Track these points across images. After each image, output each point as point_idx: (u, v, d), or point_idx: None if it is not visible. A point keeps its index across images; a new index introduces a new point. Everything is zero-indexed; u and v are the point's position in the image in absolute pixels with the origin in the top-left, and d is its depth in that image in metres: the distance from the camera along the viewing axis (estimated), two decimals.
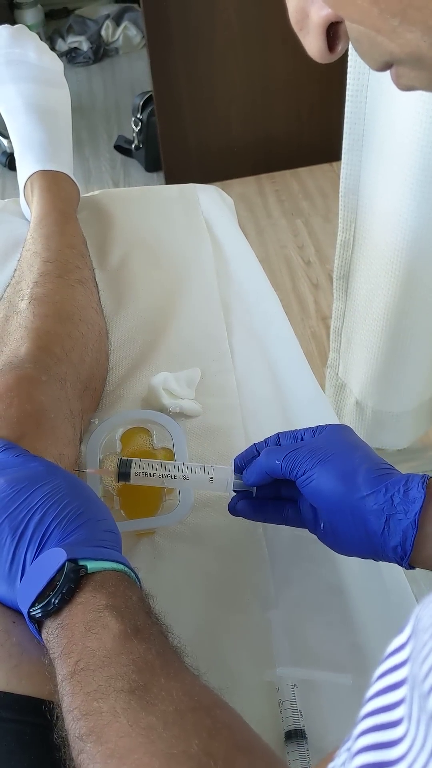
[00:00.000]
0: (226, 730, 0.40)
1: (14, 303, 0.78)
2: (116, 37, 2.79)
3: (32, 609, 0.46)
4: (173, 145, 2.22)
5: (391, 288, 1.18)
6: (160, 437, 0.73)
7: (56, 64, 1.00)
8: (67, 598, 0.46)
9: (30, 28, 1.06)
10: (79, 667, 0.42)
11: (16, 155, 0.98)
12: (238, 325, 0.86)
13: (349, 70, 1.02)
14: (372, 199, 1.13)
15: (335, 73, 2.14)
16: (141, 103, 2.22)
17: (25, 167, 0.95)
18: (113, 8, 2.81)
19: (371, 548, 0.56)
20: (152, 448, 0.72)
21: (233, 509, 0.64)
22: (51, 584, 0.46)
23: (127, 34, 2.80)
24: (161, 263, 0.93)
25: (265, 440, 0.64)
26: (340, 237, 1.23)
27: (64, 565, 0.46)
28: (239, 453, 0.65)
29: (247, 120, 2.23)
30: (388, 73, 0.41)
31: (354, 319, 1.31)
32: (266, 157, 2.34)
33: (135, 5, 2.86)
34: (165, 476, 0.62)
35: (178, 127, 2.19)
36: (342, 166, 1.13)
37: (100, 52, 2.80)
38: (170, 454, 0.71)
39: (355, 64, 1.02)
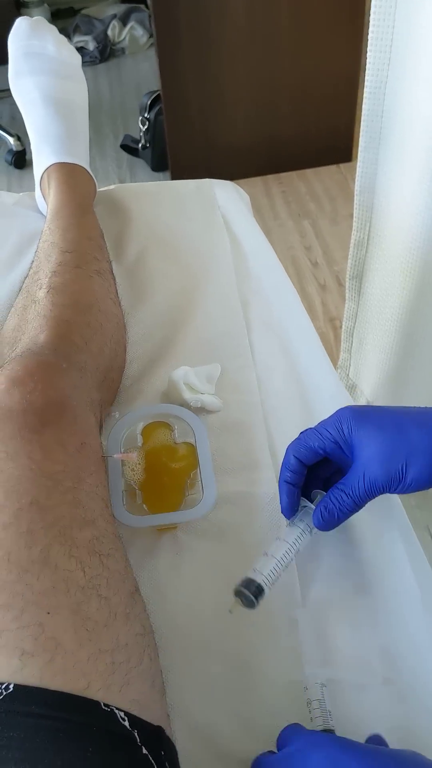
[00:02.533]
0: None
1: (32, 292, 0.77)
2: (123, 37, 2.78)
3: None
4: (180, 144, 2.22)
5: (405, 288, 1.17)
6: (181, 432, 0.71)
7: (74, 58, 0.99)
8: None
9: None
10: None
11: (32, 148, 0.97)
12: (257, 321, 0.85)
13: (368, 65, 1.01)
14: (388, 198, 1.12)
15: (344, 76, 2.15)
16: (149, 102, 2.21)
17: (42, 160, 0.94)
18: (120, 8, 2.81)
19: None
20: (173, 442, 0.71)
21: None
22: None
23: (134, 34, 2.79)
24: (178, 258, 0.92)
25: (286, 466, 0.63)
26: (354, 236, 1.22)
27: None
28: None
29: (254, 120, 2.22)
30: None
31: (366, 320, 1.30)
32: (273, 158, 2.33)
33: (142, 5, 2.86)
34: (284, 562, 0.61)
35: (185, 126, 2.18)
36: (358, 164, 1.12)
37: (107, 51, 2.79)
38: (192, 449, 0.70)
39: (374, 60, 1.01)
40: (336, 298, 1.95)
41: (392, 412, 0.60)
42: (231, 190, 1.03)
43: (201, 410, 0.75)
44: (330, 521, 0.60)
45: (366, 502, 0.59)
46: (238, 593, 0.58)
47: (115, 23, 2.77)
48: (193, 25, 1.98)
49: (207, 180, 1.04)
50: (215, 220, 0.97)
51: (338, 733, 0.55)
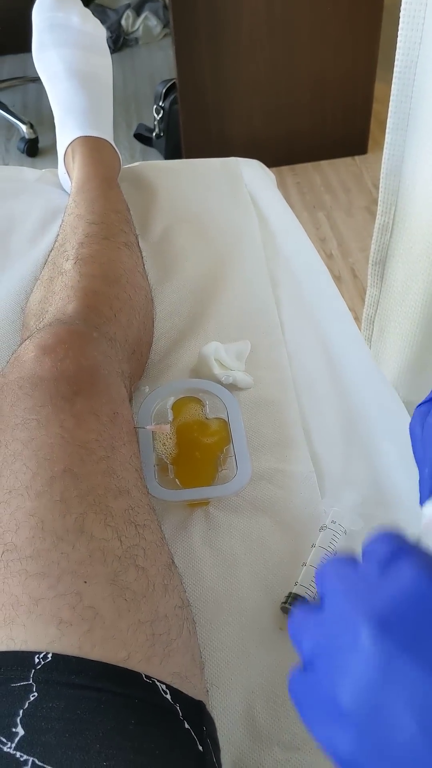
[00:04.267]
0: None
1: (59, 264, 0.75)
2: (136, 27, 2.76)
3: None
4: (195, 133, 2.20)
5: (430, 273, 1.15)
6: (212, 407, 0.70)
7: (100, 31, 0.97)
8: None
9: None
10: None
11: (56, 122, 0.95)
12: (287, 299, 0.83)
13: (399, 43, 0.99)
14: (414, 182, 1.10)
15: (361, 69, 2.13)
16: (164, 90, 2.19)
17: (66, 133, 0.92)
18: None
19: None
20: (205, 417, 0.69)
21: None
22: None
23: (148, 24, 2.77)
24: (205, 235, 0.90)
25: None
26: (378, 220, 1.20)
27: None
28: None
29: (270, 112, 2.20)
30: None
31: (389, 307, 1.28)
32: (288, 150, 2.31)
33: None
34: None
35: (200, 115, 2.16)
36: (385, 146, 1.10)
37: (120, 41, 2.77)
38: (224, 425, 0.68)
39: (405, 39, 0.99)
40: (351, 289, 1.93)
41: None
42: (258, 168, 1.01)
43: (232, 387, 0.73)
44: None
45: None
46: (285, 610, 0.58)
47: (129, 13, 2.75)
48: (210, 13, 1.96)
49: (233, 158, 1.02)
50: (242, 198, 0.95)
51: None
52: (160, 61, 2.72)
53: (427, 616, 0.28)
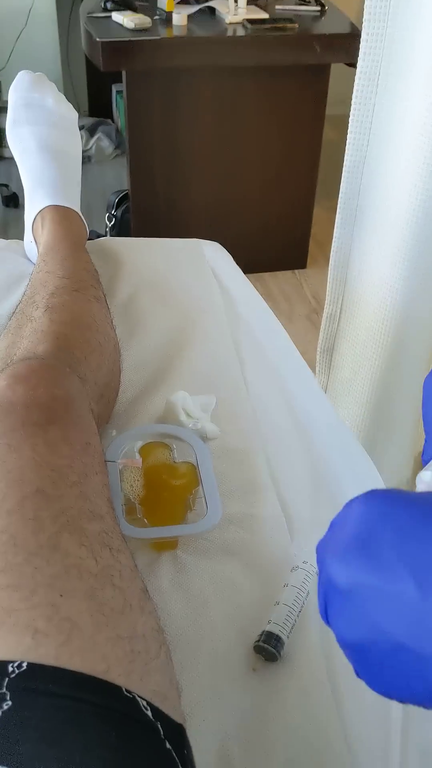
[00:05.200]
0: None
1: (28, 313, 0.75)
2: (89, 146, 2.91)
3: None
4: None
5: (376, 359, 1.20)
6: (180, 452, 0.69)
7: (72, 113, 1.02)
8: None
9: None
10: None
11: (26, 194, 0.98)
12: (250, 359, 0.85)
13: (348, 141, 1.07)
14: (360, 272, 1.17)
15: (302, 190, 2.29)
16: (116, 200, 2.29)
17: (36, 202, 0.95)
18: (88, 121, 2.96)
19: None
20: (173, 461, 0.68)
21: None
22: None
23: (100, 145, 2.93)
24: (169, 300, 0.92)
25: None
26: (326, 310, 1.25)
27: None
28: None
29: (218, 224, 2.32)
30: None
31: (336, 395, 1.31)
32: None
33: (108, 120, 3.03)
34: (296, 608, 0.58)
35: (151, 224, 2.26)
36: (333, 240, 1.17)
37: None
38: (192, 468, 0.67)
39: (354, 139, 1.07)
40: None
41: None
42: (217, 248, 1.05)
43: (199, 435, 0.73)
44: None
45: None
46: (258, 649, 0.56)
47: (83, 134, 2.91)
48: (164, 132, 2.10)
49: (194, 239, 1.06)
50: (204, 270, 0.98)
51: None
52: (111, 177, 2.86)
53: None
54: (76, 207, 0.97)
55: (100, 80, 2.91)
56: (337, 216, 1.14)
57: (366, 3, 0.92)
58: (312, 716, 0.53)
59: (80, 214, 0.96)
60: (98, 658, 0.42)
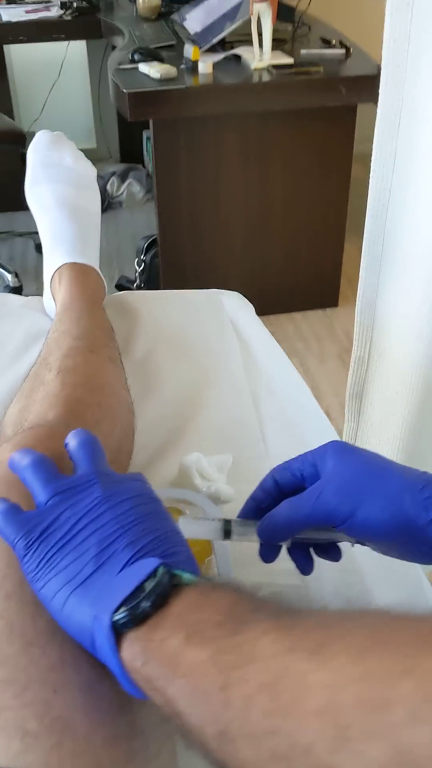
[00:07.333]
0: None
1: (41, 375, 0.74)
2: (120, 191, 2.96)
3: (116, 614, 0.40)
4: (174, 286, 2.29)
5: (407, 406, 1.17)
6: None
7: (90, 170, 1.03)
8: (158, 603, 0.40)
9: None
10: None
11: (44, 250, 0.98)
12: (269, 414, 0.83)
13: (370, 189, 1.05)
14: (388, 315, 1.14)
15: (332, 229, 2.28)
16: (145, 245, 2.31)
17: (54, 259, 0.95)
18: (119, 167, 3.02)
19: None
20: None
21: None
22: (140, 588, 0.40)
23: (131, 190, 2.98)
24: (187, 356, 0.91)
25: (260, 485, 0.59)
26: (354, 353, 1.22)
27: (156, 569, 0.41)
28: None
29: (246, 269, 2.32)
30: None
31: (366, 441, 1.28)
32: (263, 303, 2.39)
33: (140, 165, 3.07)
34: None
35: (179, 270, 2.27)
36: (359, 284, 1.15)
37: (105, 204, 2.96)
38: None
39: (376, 185, 1.06)
40: None
41: (377, 455, 0.55)
42: (238, 298, 1.04)
43: (214, 498, 0.71)
44: (267, 528, 0.55)
45: (308, 523, 0.53)
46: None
47: (114, 179, 2.96)
48: (191, 179, 2.11)
49: (214, 290, 1.05)
50: (223, 323, 0.97)
51: None
52: (142, 222, 2.90)
53: None
54: (95, 263, 0.97)
55: (131, 127, 2.97)
56: (362, 260, 1.12)
57: (384, 47, 0.90)
58: None
59: (98, 271, 0.96)
60: (91, 762, 0.39)
